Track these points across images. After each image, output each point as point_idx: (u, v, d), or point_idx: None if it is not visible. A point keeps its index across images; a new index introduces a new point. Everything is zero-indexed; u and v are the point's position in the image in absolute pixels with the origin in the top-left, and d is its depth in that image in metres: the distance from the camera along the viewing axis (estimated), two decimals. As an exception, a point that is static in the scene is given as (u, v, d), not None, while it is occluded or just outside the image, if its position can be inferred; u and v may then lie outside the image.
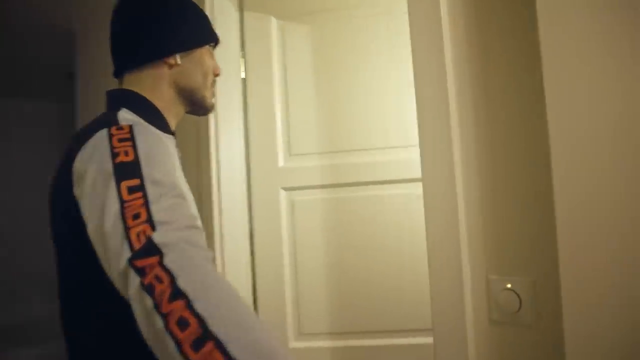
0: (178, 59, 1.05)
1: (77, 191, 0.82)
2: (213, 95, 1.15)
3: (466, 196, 1.12)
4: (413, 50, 1.18)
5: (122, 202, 0.74)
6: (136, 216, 0.72)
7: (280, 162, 1.89)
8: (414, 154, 1.72)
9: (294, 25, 1.89)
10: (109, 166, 0.77)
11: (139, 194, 0.75)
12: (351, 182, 1.82)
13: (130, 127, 0.84)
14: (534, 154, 1.05)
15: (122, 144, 0.80)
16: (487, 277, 1.10)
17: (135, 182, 0.76)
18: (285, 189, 1.88)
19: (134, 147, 0.80)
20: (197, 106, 1.12)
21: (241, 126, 1.88)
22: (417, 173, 1.66)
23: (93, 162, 0.80)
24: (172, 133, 1.08)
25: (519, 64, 1.07)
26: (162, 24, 1.03)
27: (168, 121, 1.07)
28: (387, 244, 1.77)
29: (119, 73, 1.07)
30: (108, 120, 0.89)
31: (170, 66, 1.05)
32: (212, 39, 1.13)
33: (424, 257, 1.63)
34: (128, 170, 0.77)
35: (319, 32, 1.88)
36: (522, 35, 1.07)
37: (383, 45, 1.81)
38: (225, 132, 1.78)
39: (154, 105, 1.03)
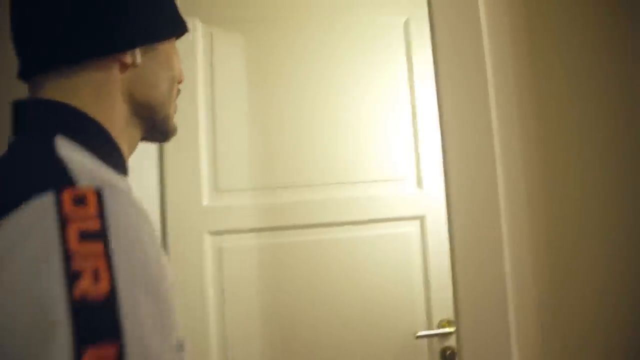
0: (137, 56, 0.67)
1: None
2: (175, 111, 0.77)
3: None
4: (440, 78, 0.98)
5: None
6: None
7: (205, 201, 1.53)
8: (374, 191, 1.53)
9: (226, 34, 1.54)
10: (59, 308, 0.43)
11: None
12: (292, 224, 1.53)
13: (99, 196, 0.50)
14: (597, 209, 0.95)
15: (88, 245, 0.46)
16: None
17: (110, 350, 0.44)
18: (212, 233, 1.52)
19: (107, 255, 0.47)
20: (157, 129, 0.74)
21: (154, 155, 1.49)
22: (372, 213, 1.51)
23: (19, 284, 0.45)
24: (126, 172, 0.70)
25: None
26: (113, 1, 0.65)
27: (122, 154, 0.69)
28: (334, 295, 1.53)
29: (30, 72, 0.66)
30: (47, 167, 0.54)
31: (124, 67, 0.66)
32: (182, 27, 0.76)
33: (376, 308, 1.48)
34: (100, 320, 0.45)
35: (256, 43, 1.56)
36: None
37: (337, 62, 1.56)
38: (133, 162, 1.36)
39: (105, 131, 0.65)
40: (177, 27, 0.74)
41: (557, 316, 0.95)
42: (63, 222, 0.47)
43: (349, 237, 1.51)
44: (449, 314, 1.49)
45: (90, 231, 0.47)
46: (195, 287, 1.49)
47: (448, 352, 1.47)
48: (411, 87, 1.58)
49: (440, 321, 1.49)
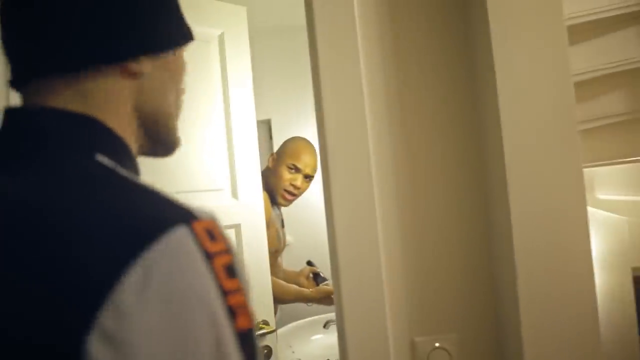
0: (144, 65, 0.62)
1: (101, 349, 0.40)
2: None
3: (387, 260, 1.06)
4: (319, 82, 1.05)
5: None
6: None
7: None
8: (194, 201, 1.53)
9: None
10: (229, 341, 0.44)
11: None
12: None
13: (219, 227, 0.50)
14: (460, 207, 1.10)
15: (233, 281, 0.46)
16: (413, 339, 1.08)
17: None
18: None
19: (244, 290, 0.48)
20: (161, 142, 0.70)
21: None
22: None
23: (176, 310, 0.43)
24: None
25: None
26: (121, 3, 0.61)
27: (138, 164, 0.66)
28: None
29: (25, 79, 0.61)
30: (147, 194, 0.52)
31: (132, 76, 0.62)
32: (188, 36, 0.71)
33: None
34: (250, 354, 0.47)
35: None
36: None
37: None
38: None
39: (125, 143, 0.62)
40: (183, 36, 0.69)
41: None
42: (209, 258, 0.46)
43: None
44: (264, 316, 1.61)
45: (229, 265, 0.47)
46: None
47: (265, 351, 1.58)
48: (226, 100, 1.62)
49: (257, 323, 1.59)
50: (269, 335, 1.61)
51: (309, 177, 2.15)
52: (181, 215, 0.48)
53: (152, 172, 1.31)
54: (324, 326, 2.35)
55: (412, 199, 1.09)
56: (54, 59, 0.59)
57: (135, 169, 0.63)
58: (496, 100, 1.00)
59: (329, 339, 2.44)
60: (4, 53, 0.63)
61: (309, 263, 2.42)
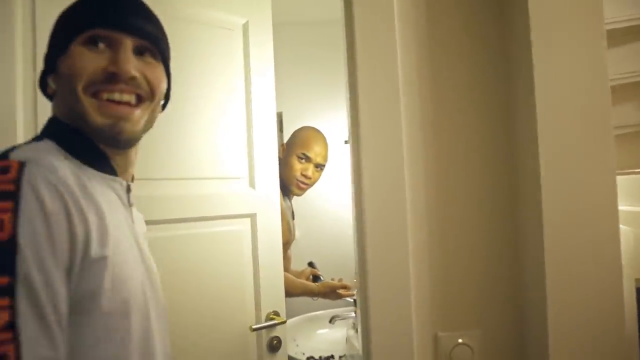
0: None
1: None
2: None
3: (414, 255, 1.07)
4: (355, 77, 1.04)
5: None
6: None
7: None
8: (210, 188, 1.53)
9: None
10: None
11: (5, 301, 0.60)
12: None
13: (21, 167, 0.66)
14: (486, 202, 1.11)
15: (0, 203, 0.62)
16: (436, 334, 1.10)
17: (2, 281, 0.60)
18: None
19: (15, 213, 0.62)
20: (108, 136, 0.86)
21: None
22: (206, 210, 1.52)
23: None
24: (115, 173, 0.85)
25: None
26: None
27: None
28: (169, 291, 1.50)
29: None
30: (1, 153, 0.70)
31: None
32: None
33: (212, 303, 1.49)
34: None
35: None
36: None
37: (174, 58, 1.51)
38: None
39: (92, 142, 0.81)
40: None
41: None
42: None
43: (185, 234, 1.49)
44: (275, 307, 1.60)
45: (4, 192, 0.63)
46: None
47: (275, 342, 1.58)
48: (247, 88, 1.62)
49: (268, 313, 1.59)
50: (279, 327, 1.60)
51: (319, 167, 2.15)
52: None
53: (173, 158, 1.32)
54: (330, 321, 2.34)
55: (440, 196, 1.10)
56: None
57: (100, 165, 0.82)
58: (533, 100, 0.99)
59: (334, 334, 2.44)
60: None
61: (310, 264, 2.41)
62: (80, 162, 0.78)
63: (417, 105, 1.09)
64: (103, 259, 0.72)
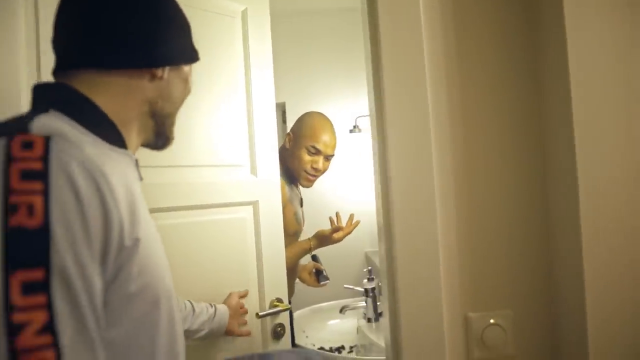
0: (166, 71, 0.82)
1: None
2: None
3: (443, 234, 1.06)
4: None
5: (10, 309, 0.51)
6: (36, 333, 0.52)
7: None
8: (211, 176, 1.53)
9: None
10: None
11: (41, 299, 0.53)
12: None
13: (47, 142, 0.59)
14: (515, 187, 1.09)
15: (27, 184, 0.55)
16: (466, 315, 1.08)
17: (37, 274, 0.53)
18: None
19: (46, 196, 0.55)
20: (161, 135, 0.87)
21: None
22: (209, 198, 1.51)
23: None
24: (125, 147, 0.79)
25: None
26: (160, 21, 0.80)
27: (125, 140, 0.79)
28: (174, 280, 1.50)
29: (63, 67, 0.77)
30: (12, 122, 0.65)
31: (153, 78, 0.80)
32: (197, 56, 0.91)
33: (217, 290, 1.49)
34: (29, 248, 0.54)
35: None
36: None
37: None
38: None
39: (100, 111, 0.74)
40: (195, 55, 0.90)
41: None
42: (8, 163, 0.55)
43: (187, 222, 1.47)
44: (278, 293, 1.59)
45: (31, 171, 0.55)
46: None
47: (279, 329, 1.57)
48: (247, 76, 1.61)
49: (272, 301, 1.58)
50: (282, 314, 1.59)
51: (329, 157, 2.09)
52: (10, 131, 0.60)
53: (173, 145, 1.33)
54: (340, 311, 2.33)
55: (469, 177, 1.08)
56: (92, 57, 0.75)
57: (114, 140, 0.76)
58: (566, 74, 0.96)
59: (344, 324, 2.43)
60: (53, 46, 0.79)
61: (314, 258, 2.35)
62: (93, 134, 0.71)
63: (443, 87, 1.07)
64: (136, 242, 0.67)
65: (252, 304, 1.55)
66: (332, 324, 2.44)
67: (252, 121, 1.61)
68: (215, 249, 1.51)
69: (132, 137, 0.81)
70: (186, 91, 0.89)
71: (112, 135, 0.75)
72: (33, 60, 1.27)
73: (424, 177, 1.02)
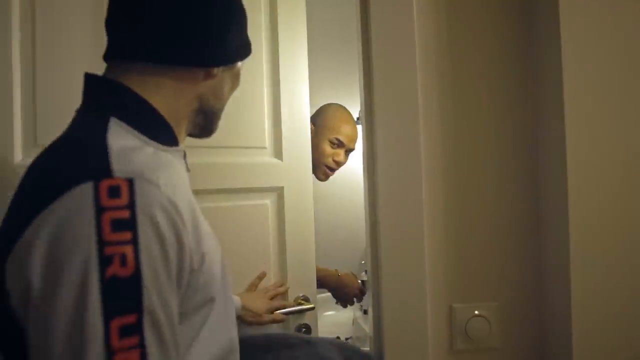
0: (221, 69, 0.81)
1: (11, 276, 0.60)
2: None
3: (429, 224, 1.06)
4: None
5: (111, 352, 0.55)
6: None
7: (18, 157, 1.16)
8: (231, 158, 1.37)
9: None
10: (92, 282, 0.55)
11: (135, 340, 0.57)
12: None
13: (131, 187, 0.60)
14: (502, 178, 1.10)
15: (119, 235, 0.57)
16: (451, 305, 1.09)
17: (131, 319, 0.57)
18: (26, 200, 1.16)
19: (136, 245, 0.58)
20: (207, 129, 0.88)
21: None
22: (229, 182, 1.35)
23: (59, 256, 0.56)
24: (178, 144, 0.81)
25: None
26: (223, 18, 0.78)
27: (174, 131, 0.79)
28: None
29: (118, 55, 0.77)
30: (91, 155, 0.64)
31: (207, 76, 0.79)
32: (250, 50, 0.89)
33: (234, 283, 1.35)
34: (124, 297, 0.57)
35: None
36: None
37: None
38: None
39: (156, 112, 0.75)
40: (249, 49, 0.88)
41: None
42: (99, 213, 0.57)
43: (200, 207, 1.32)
44: (305, 291, 1.46)
45: (121, 220, 0.57)
46: None
47: (304, 330, 1.43)
48: (274, 57, 1.44)
49: (297, 298, 1.44)
50: (309, 313, 1.45)
51: (349, 151, 2.01)
52: (95, 173, 0.59)
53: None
54: (337, 302, 2.23)
55: (456, 166, 1.08)
56: (150, 51, 0.74)
57: (169, 141, 0.77)
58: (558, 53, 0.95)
59: (341, 315, 2.34)
60: (106, 28, 0.78)
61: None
62: (148, 137, 0.72)
63: (433, 67, 1.06)
64: (203, 257, 0.70)
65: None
66: (327, 315, 2.34)
67: (277, 97, 1.44)
68: (232, 237, 1.36)
69: (182, 133, 0.82)
70: (235, 86, 0.88)
71: (169, 138, 0.77)
72: (29, 55, 1.17)
73: (411, 168, 1.03)
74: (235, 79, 0.87)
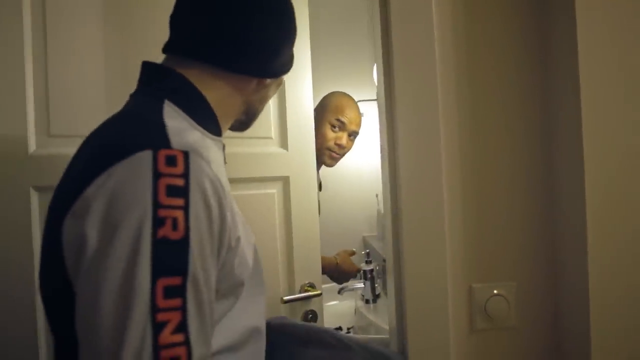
0: (272, 80, 0.89)
1: (69, 231, 0.63)
2: None
3: (449, 210, 1.10)
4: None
5: (155, 310, 0.58)
6: (172, 332, 0.58)
7: (32, 147, 1.18)
8: (236, 148, 1.39)
9: None
10: (145, 240, 0.59)
11: (178, 302, 0.60)
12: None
13: (186, 159, 0.64)
14: (520, 162, 1.11)
15: (173, 200, 0.61)
16: (470, 285, 1.11)
17: (177, 280, 0.60)
18: (39, 188, 1.18)
19: (187, 211, 0.62)
20: (246, 125, 0.95)
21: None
22: (235, 172, 1.38)
23: (116, 213, 0.60)
24: (220, 135, 0.86)
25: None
26: (282, 34, 0.86)
27: (219, 123, 0.84)
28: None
29: (179, 51, 0.82)
30: (151, 128, 0.69)
31: (259, 85, 0.87)
32: (293, 61, 0.96)
33: None
34: (172, 259, 0.60)
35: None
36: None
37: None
38: None
39: (206, 102, 0.80)
40: (292, 62, 0.94)
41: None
42: (156, 178, 0.61)
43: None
44: (311, 278, 1.48)
45: (176, 187, 0.61)
46: (19, 261, 1.15)
47: (310, 316, 1.47)
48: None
49: (302, 285, 1.47)
50: (315, 299, 1.48)
51: (353, 135, 1.98)
52: (155, 143, 0.64)
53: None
54: (339, 292, 2.26)
55: (475, 148, 1.10)
56: (214, 54, 0.80)
57: (209, 117, 0.81)
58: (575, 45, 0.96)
59: (343, 305, 2.36)
60: (170, 23, 0.84)
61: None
62: (196, 123, 0.77)
63: (451, 61, 1.09)
64: (238, 240, 0.73)
65: (279, 288, 1.44)
66: (330, 305, 2.36)
67: (282, 89, 1.47)
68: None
69: (225, 127, 0.87)
70: (276, 92, 0.96)
71: (214, 129, 0.82)
72: (42, 49, 1.19)
73: (431, 156, 1.06)
74: (279, 86, 0.94)
